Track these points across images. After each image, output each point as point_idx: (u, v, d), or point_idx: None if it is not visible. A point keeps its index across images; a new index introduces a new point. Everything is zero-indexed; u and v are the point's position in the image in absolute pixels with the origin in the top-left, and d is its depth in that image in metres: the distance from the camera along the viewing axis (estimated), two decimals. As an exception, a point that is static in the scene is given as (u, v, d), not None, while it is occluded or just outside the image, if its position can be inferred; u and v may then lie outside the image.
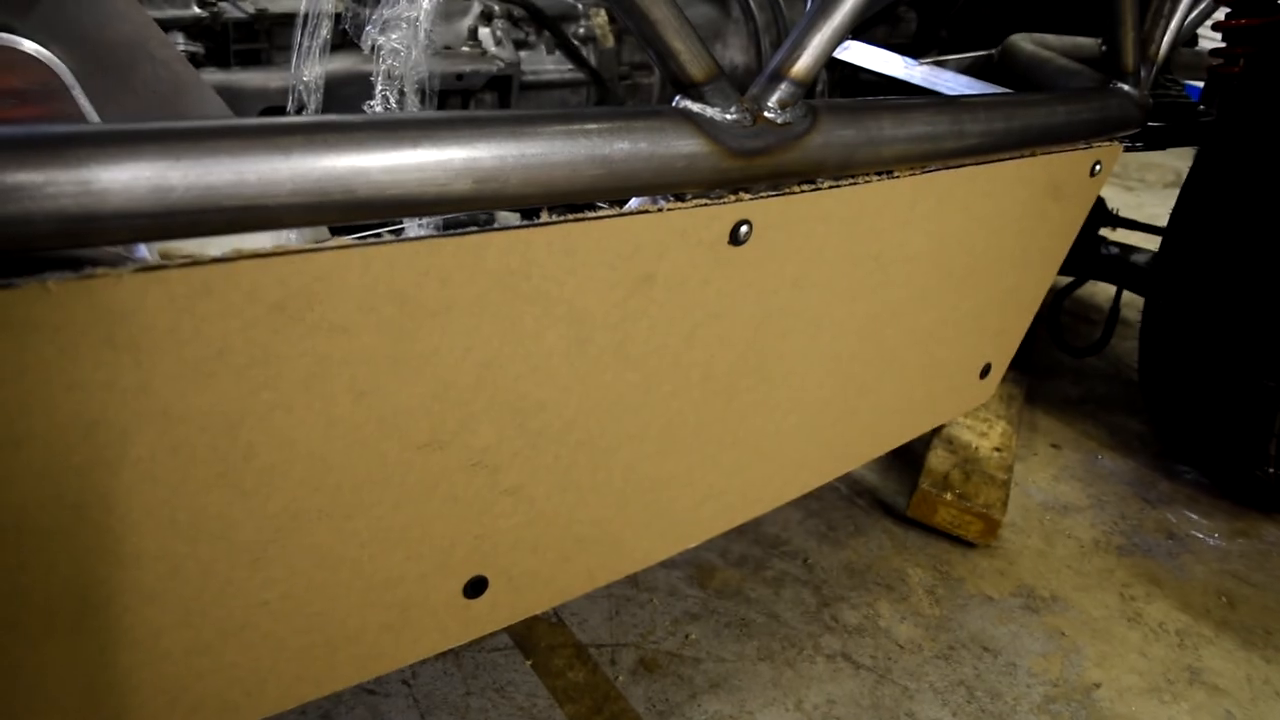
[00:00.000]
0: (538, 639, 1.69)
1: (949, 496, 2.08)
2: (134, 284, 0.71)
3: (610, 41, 2.03)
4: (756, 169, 1.05)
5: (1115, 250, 2.71)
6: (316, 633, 0.99)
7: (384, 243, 0.81)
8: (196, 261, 0.73)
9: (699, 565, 1.92)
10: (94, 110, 1.01)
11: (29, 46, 0.98)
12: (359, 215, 0.79)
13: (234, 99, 1.50)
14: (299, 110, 1.47)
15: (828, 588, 1.93)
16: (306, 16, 1.50)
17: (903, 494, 2.23)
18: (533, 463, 1.03)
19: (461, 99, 1.79)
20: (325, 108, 1.49)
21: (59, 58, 1.00)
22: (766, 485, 1.46)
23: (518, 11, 1.93)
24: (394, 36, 1.53)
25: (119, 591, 0.83)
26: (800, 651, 1.77)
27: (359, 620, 1.01)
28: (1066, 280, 2.84)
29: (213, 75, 1.52)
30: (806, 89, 1.10)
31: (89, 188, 0.67)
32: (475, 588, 1.06)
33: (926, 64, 1.99)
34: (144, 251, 0.83)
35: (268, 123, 0.75)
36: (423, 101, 1.51)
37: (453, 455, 0.96)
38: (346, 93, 1.57)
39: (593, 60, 1.98)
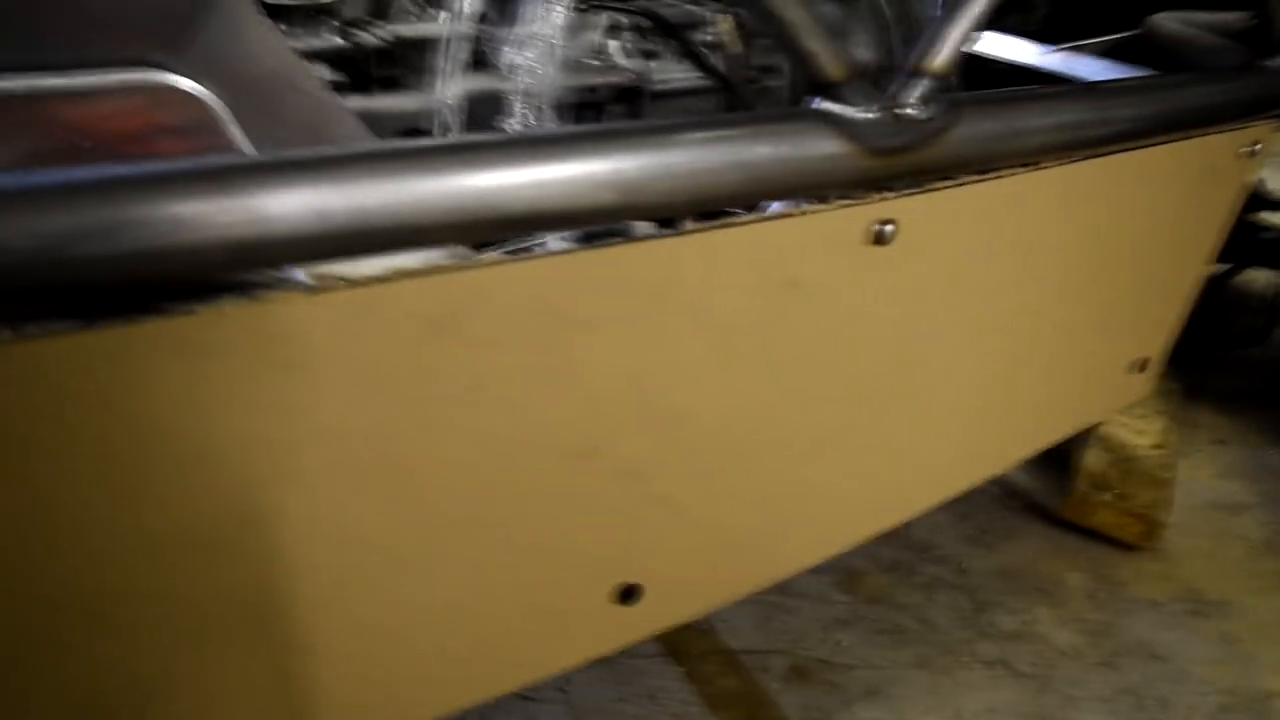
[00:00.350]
0: (688, 646, 1.69)
1: (1107, 497, 2.01)
2: (301, 306, 0.74)
3: (737, 46, 2.03)
4: (898, 167, 1.03)
5: (1275, 234, 2.57)
6: (475, 640, 1.01)
7: (531, 258, 0.83)
8: (357, 282, 0.75)
9: (847, 571, 1.90)
10: (246, 141, 1.06)
11: (183, 83, 1.02)
12: (508, 231, 0.81)
13: (375, 123, 1.55)
14: (441, 131, 1.52)
15: (982, 593, 1.89)
16: (443, 40, 1.54)
17: (1057, 496, 2.15)
18: (683, 470, 1.04)
19: (593, 111, 1.82)
20: (464, 127, 1.53)
21: (211, 92, 1.04)
22: (915, 489, 1.43)
23: (644, 22, 1.95)
24: (528, 54, 1.56)
25: (291, 601, 0.87)
26: (957, 658, 1.73)
27: (516, 627, 1.03)
28: (1223, 268, 2.70)
29: (355, 102, 1.57)
30: (945, 83, 1.08)
31: (256, 215, 0.71)
32: (628, 595, 1.07)
33: (1063, 50, 1.93)
34: (298, 274, 0.87)
35: (420, 145, 0.78)
36: (558, 116, 1.54)
37: (604, 464, 0.97)
38: (484, 111, 1.61)
39: (720, 66, 1.99)
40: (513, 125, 1.48)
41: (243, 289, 0.73)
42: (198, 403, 0.74)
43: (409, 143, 0.78)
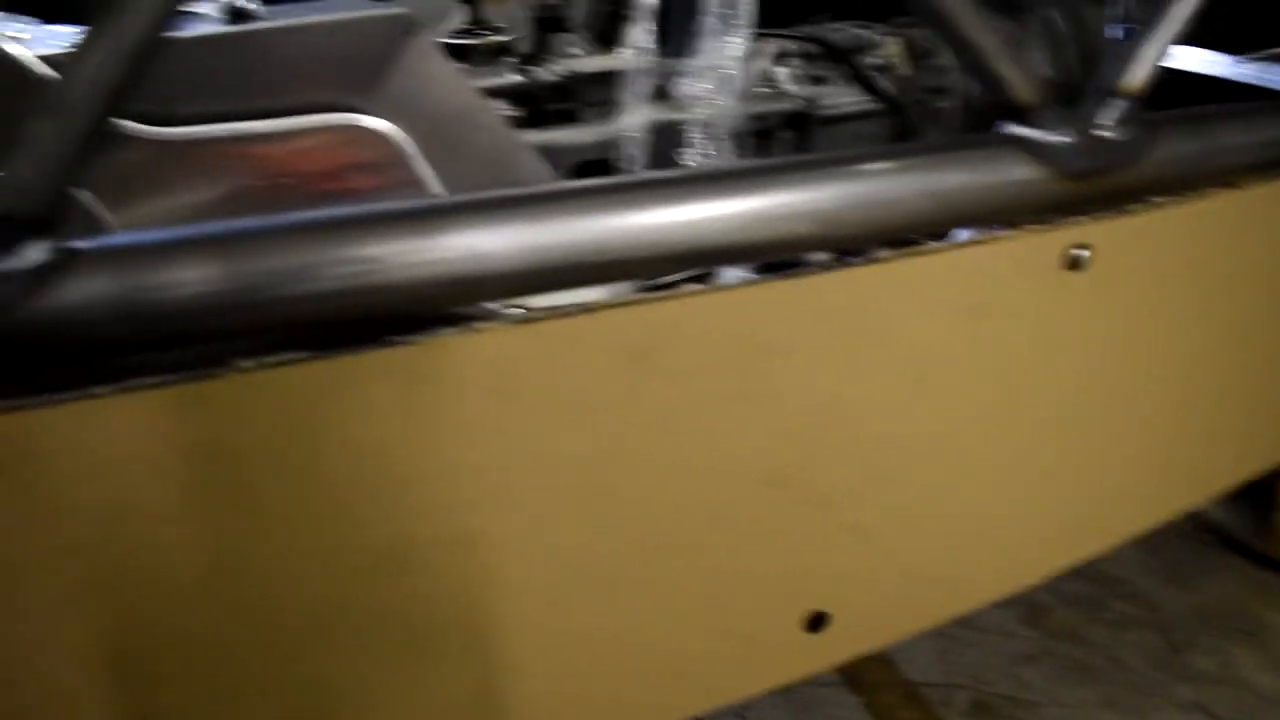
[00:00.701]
0: (867, 676, 1.67)
1: (1315, 534, 1.89)
2: (511, 336, 0.78)
3: (905, 69, 2.00)
4: (1093, 191, 1.01)
5: None
6: (664, 663, 1.02)
7: (725, 288, 0.85)
8: (562, 314, 0.79)
9: (1032, 604, 1.83)
10: (434, 176, 1.11)
11: (374, 123, 1.08)
12: (707, 262, 0.83)
13: (553, 156, 1.59)
14: (624, 164, 1.55)
15: (1176, 632, 1.80)
16: (620, 73, 1.57)
17: (1257, 532, 2.03)
18: (872, 499, 1.03)
19: (765, 139, 1.82)
20: (643, 158, 1.55)
21: (400, 131, 1.10)
22: (1106, 521, 1.38)
23: (813, 48, 1.94)
24: (704, 85, 1.59)
25: (496, 619, 0.90)
26: (1149, 699, 1.65)
27: (705, 651, 1.04)
28: None
29: (534, 135, 1.62)
30: (1140, 102, 1.05)
31: (472, 251, 0.75)
32: (815, 623, 1.07)
33: (1257, 59, 1.83)
34: (509, 307, 0.90)
35: (623, 181, 0.81)
36: (735, 145, 1.55)
37: (794, 492, 0.98)
38: (661, 142, 1.63)
39: (889, 89, 1.97)
40: (692, 156, 1.50)
41: (459, 321, 0.77)
42: (415, 427, 0.78)
43: (613, 180, 0.81)
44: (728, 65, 1.61)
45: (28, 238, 0.66)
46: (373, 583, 0.83)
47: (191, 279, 0.68)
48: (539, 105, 1.67)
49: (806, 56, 1.94)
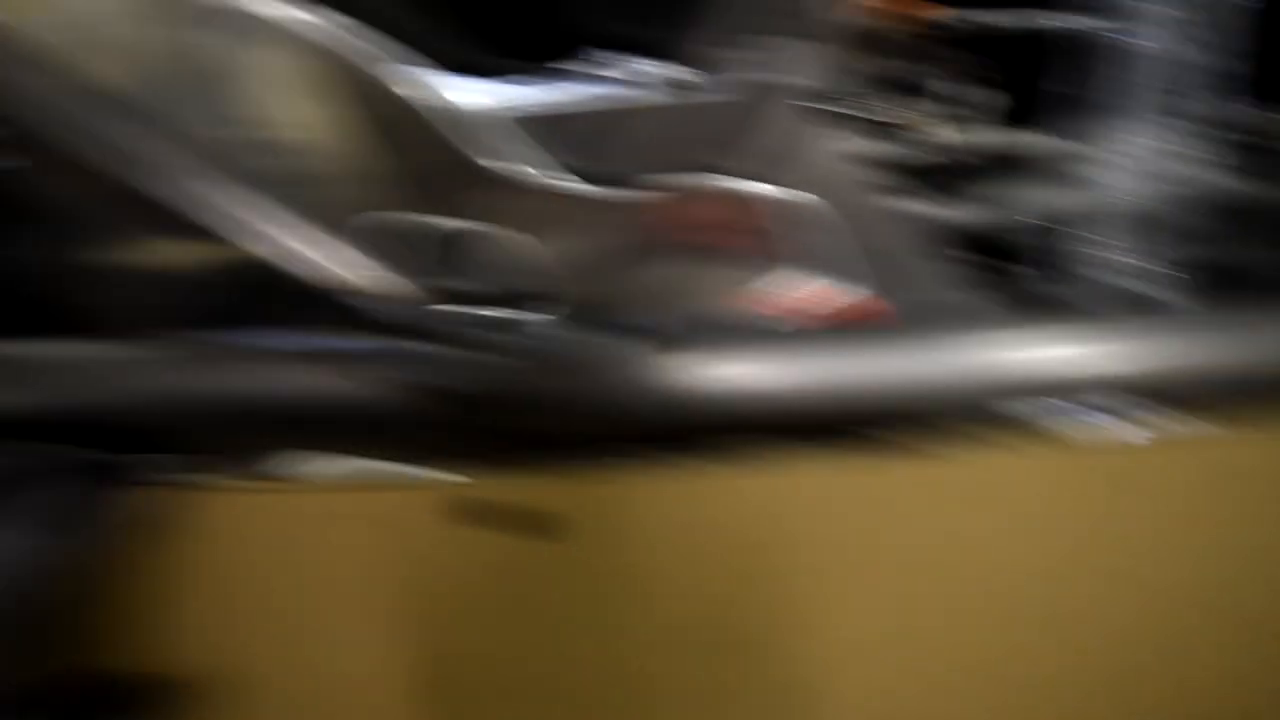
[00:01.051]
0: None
1: None
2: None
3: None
4: None
5: None
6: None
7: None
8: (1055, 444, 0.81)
9: None
10: (802, 243, 1.15)
11: (739, 185, 1.13)
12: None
13: (939, 232, 1.59)
14: (1008, 246, 1.53)
15: None
16: (1011, 151, 1.56)
17: None
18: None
19: (1165, 230, 1.75)
20: (1039, 244, 1.52)
21: (763, 194, 1.15)
22: None
23: (1219, 132, 1.85)
24: (1108, 171, 1.53)
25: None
26: None
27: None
28: None
29: (917, 208, 1.62)
30: None
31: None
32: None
33: None
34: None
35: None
36: (1143, 237, 1.50)
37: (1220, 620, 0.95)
38: (1061, 230, 1.60)
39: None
40: (1102, 249, 1.46)
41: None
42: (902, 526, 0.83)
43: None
44: (1132, 149, 1.56)
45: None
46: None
47: (756, 375, 0.75)
48: (932, 179, 1.67)
49: (1211, 140, 1.85)
